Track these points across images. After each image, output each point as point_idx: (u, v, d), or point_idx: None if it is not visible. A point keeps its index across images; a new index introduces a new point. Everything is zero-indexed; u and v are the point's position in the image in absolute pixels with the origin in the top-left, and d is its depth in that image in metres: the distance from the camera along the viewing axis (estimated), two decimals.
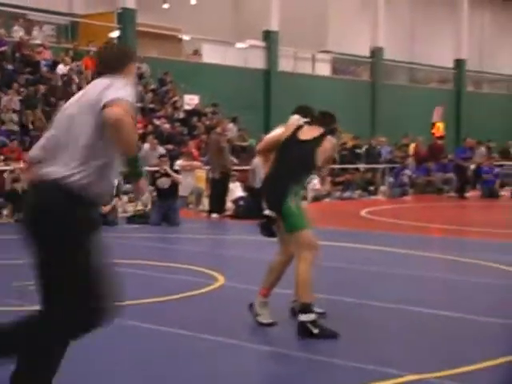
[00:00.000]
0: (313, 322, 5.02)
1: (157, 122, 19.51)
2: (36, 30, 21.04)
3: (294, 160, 5.39)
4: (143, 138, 18.14)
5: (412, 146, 24.18)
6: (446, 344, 5.22)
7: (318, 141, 5.45)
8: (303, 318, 5.02)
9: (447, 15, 34.56)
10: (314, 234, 5.27)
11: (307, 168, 5.52)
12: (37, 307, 3.50)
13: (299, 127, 5.59)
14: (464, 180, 21.23)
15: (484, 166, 22.22)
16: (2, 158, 14.59)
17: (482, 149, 23.52)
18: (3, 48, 18.91)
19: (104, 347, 4.81)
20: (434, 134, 27.51)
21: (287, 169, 5.40)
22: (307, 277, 5.09)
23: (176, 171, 13.58)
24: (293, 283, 5.23)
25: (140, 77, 21.44)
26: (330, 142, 5.50)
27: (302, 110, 5.85)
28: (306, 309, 5.03)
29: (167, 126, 19.58)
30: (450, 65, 34.31)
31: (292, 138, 5.49)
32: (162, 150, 17.39)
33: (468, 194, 21.13)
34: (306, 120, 5.66)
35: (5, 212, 13.21)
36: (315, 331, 5.00)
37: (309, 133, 5.53)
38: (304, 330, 5.01)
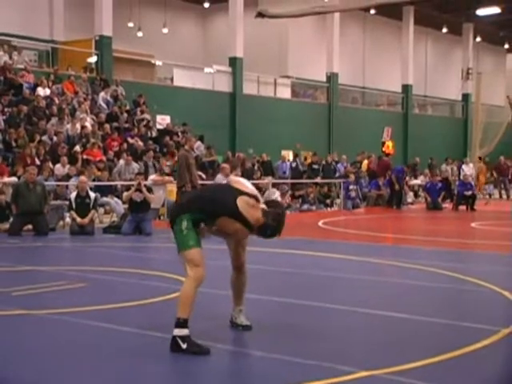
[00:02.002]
0: (183, 338, 4.78)
1: (131, 140, 19.41)
2: (15, 55, 20.79)
3: (211, 197, 5.04)
4: (118, 154, 18.06)
5: (365, 163, 24.41)
6: (395, 342, 5.25)
7: (236, 215, 4.90)
8: (176, 332, 4.80)
9: (395, 45, 35.08)
10: (201, 253, 4.94)
11: (207, 211, 4.97)
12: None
13: (253, 196, 5.11)
14: (396, 194, 21.54)
15: (428, 182, 22.55)
16: None
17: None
18: None
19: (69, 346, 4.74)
20: (384, 151, 27.82)
21: (199, 199, 5.11)
22: (189, 294, 4.87)
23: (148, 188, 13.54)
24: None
25: (116, 98, 21.34)
26: (232, 228, 4.96)
27: (270, 204, 5.26)
28: (181, 324, 4.81)
29: (140, 143, 19.49)
30: (398, 89, 34.76)
31: (233, 189, 5.07)
32: (135, 165, 17.32)
33: (409, 206, 21.65)
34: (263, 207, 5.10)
35: None
36: (183, 346, 4.76)
37: (245, 206, 4.96)
38: (174, 345, 4.79)
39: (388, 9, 31.39)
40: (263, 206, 5.11)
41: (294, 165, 22.72)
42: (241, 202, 4.96)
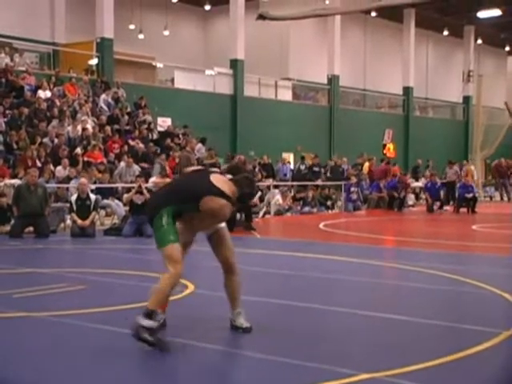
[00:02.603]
0: (150, 329, 4.80)
1: (132, 142, 19.42)
2: (17, 57, 20.85)
3: (184, 186, 5.13)
4: (119, 157, 18.06)
5: (366, 165, 24.41)
6: (395, 345, 5.24)
7: (216, 191, 4.99)
8: (140, 320, 4.81)
9: (396, 47, 35.10)
10: (180, 249, 5.01)
11: (186, 199, 5.02)
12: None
13: (219, 172, 5.36)
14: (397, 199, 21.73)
15: (428, 181, 22.51)
16: None
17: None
18: None
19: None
20: (385, 154, 27.83)
21: (174, 191, 5.16)
22: (165, 288, 4.93)
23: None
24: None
25: (117, 101, 21.35)
26: (216, 204, 4.97)
27: (232, 170, 5.55)
28: (148, 315, 4.83)
29: (141, 145, 19.50)
30: (399, 91, 34.75)
31: (202, 172, 5.26)
32: (136, 167, 17.32)
33: (410, 209, 21.69)
34: (230, 178, 5.28)
35: None
36: (150, 339, 4.77)
37: (221, 182, 5.08)
38: (139, 333, 4.79)
39: (389, 11, 31.40)
40: (229, 176, 5.28)
41: (302, 167, 22.69)
42: (214, 178, 5.11)
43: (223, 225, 5.47)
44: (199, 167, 5.50)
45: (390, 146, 28.63)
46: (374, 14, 32.69)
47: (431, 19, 34.23)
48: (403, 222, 18.84)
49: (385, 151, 28.21)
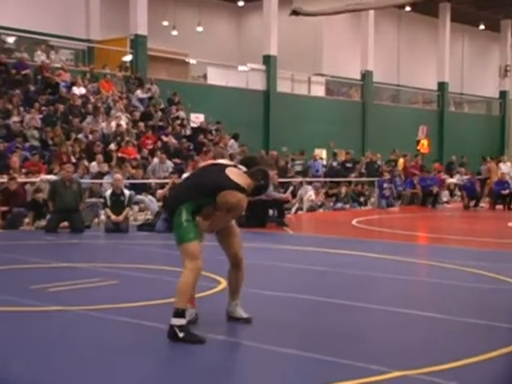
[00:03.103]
0: (180, 327, 4.89)
1: (165, 138, 19.53)
2: (53, 54, 21.14)
3: (201, 181, 5.16)
4: (152, 153, 18.20)
5: (401, 161, 24.24)
6: (429, 343, 5.20)
7: (232, 185, 5.04)
8: (174, 321, 4.90)
9: (430, 42, 34.72)
10: (200, 246, 5.05)
11: (204, 194, 5.07)
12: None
13: (234, 165, 5.38)
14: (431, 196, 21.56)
15: (466, 180, 22.24)
16: (25, 171, 14.60)
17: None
18: (26, 71, 19.03)
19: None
20: (419, 150, 27.55)
21: (192, 186, 5.19)
22: (187, 285, 4.98)
23: None
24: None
25: (150, 97, 21.50)
26: (233, 197, 5.02)
27: (246, 162, 5.56)
28: (179, 314, 4.91)
29: (174, 141, 19.61)
30: (434, 87, 34.37)
31: (218, 166, 5.27)
32: (169, 163, 17.42)
33: (445, 205, 21.41)
34: (245, 170, 5.31)
35: (26, 220, 13.20)
36: (180, 335, 4.87)
37: (236, 175, 5.15)
38: (172, 333, 4.90)
39: (423, 6, 31.03)
40: (243, 168, 5.32)
41: (335, 163, 22.60)
42: (230, 172, 5.15)
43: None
44: (215, 161, 5.51)
45: (424, 142, 28.30)
46: (408, 8, 32.37)
47: (467, 13, 33.76)
48: (437, 218, 18.64)
49: (419, 147, 27.91)
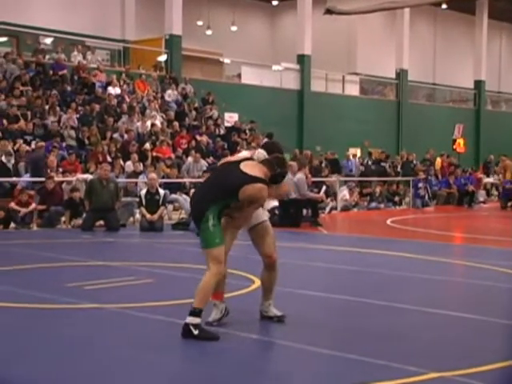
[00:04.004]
0: (195, 325, 4.96)
1: (199, 137, 19.62)
2: (89, 54, 21.40)
3: (219, 181, 5.17)
4: (187, 152, 18.29)
5: (438, 161, 23.99)
6: (465, 344, 5.13)
7: (249, 179, 5.04)
8: (189, 320, 4.97)
9: (467, 40, 34.27)
10: (224, 251, 5.13)
11: (226, 194, 5.10)
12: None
13: (247, 158, 5.36)
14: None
15: (507, 181, 21.87)
16: (61, 170, 14.79)
17: None
18: (63, 71, 19.29)
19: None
20: (455, 149, 27.22)
21: (212, 188, 5.20)
22: (208, 287, 5.06)
23: None
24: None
25: (184, 96, 21.62)
26: (253, 189, 5.02)
27: (268, 147, 5.60)
28: (195, 313, 4.98)
29: (209, 141, 19.68)
30: (470, 85, 33.92)
31: (232, 164, 5.27)
32: (203, 163, 17.50)
33: (481, 205, 21.08)
34: (262, 159, 5.33)
35: (63, 219, 13.37)
36: (195, 332, 4.94)
37: (251, 168, 5.15)
38: (186, 331, 4.97)
39: (460, 3, 30.68)
40: (260, 153, 5.37)
41: (369, 162, 22.43)
42: (245, 166, 5.15)
43: (266, 217, 5.56)
44: (231, 159, 5.50)
45: (461, 141, 27.95)
46: (444, 6, 31.99)
47: (505, 10, 33.22)
48: (473, 218, 18.39)
49: (455, 146, 27.57)
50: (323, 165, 21.17)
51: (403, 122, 30.14)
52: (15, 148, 15.09)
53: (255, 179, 5.06)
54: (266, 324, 5.54)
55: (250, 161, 5.29)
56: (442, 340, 5.25)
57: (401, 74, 30.12)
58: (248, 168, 5.13)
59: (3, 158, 14.33)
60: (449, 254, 10.65)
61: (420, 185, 20.74)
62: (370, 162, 22.59)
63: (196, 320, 4.98)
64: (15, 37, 21.62)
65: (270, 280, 5.56)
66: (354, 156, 23.36)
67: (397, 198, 20.83)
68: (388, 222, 15.62)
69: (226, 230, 5.26)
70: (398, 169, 22.46)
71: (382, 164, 22.44)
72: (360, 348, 4.86)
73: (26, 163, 14.59)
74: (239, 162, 5.25)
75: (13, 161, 14.45)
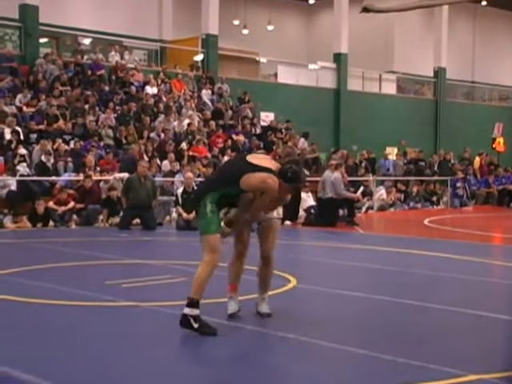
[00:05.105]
0: (195, 317, 4.99)
1: (235, 137, 19.66)
2: (127, 54, 21.61)
3: (222, 171, 5.43)
4: (223, 151, 18.34)
5: (477, 160, 23.66)
6: (504, 346, 5.04)
7: (252, 168, 5.07)
8: (187, 311, 5.00)
9: (508, 36, 33.71)
10: (219, 240, 5.16)
11: (225, 182, 5.14)
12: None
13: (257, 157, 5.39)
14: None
15: None
16: (99, 169, 14.96)
17: None
18: (101, 71, 19.50)
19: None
20: (494, 148, 26.81)
21: (214, 178, 5.46)
22: (204, 277, 5.08)
23: None
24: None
25: (221, 96, 21.68)
26: (256, 179, 5.05)
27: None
28: (193, 304, 5.00)
29: (245, 140, 19.70)
30: (510, 83, 33.36)
31: (239, 155, 5.49)
32: None
33: None
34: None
35: (101, 217, 13.52)
36: (195, 325, 4.97)
37: (260, 160, 5.21)
38: (185, 322, 5.00)
39: (501, 0, 30.19)
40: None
41: (405, 161, 22.23)
42: (252, 158, 5.23)
43: (275, 215, 5.62)
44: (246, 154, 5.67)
45: (500, 140, 27.50)
46: (484, 3, 31.52)
47: None
48: None
49: (494, 145, 27.15)
50: (363, 164, 20.99)
51: (441, 121, 29.79)
52: (54, 147, 15.31)
53: (260, 168, 5.10)
54: (303, 323, 5.52)
55: (261, 154, 5.44)
56: (480, 342, 5.17)
57: (439, 72, 29.77)
58: (255, 159, 5.22)
59: (43, 158, 14.55)
60: (487, 254, 10.49)
61: (458, 184, 20.49)
62: (405, 161, 22.37)
63: (194, 311, 5.02)
64: (55, 38, 21.94)
65: (265, 276, 5.68)
66: (392, 155, 23.18)
67: (434, 198, 20.60)
68: (425, 221, 15.45)
69: (239, 223, 5.36)
70: (435, 168, 22.20)
71: (420, 163, 22.21)
72: (396, 349, 4.82)
73: (121, 162, 14.85)
74: (246, 154, 5.39)
75: (52, 160, 14.67)
